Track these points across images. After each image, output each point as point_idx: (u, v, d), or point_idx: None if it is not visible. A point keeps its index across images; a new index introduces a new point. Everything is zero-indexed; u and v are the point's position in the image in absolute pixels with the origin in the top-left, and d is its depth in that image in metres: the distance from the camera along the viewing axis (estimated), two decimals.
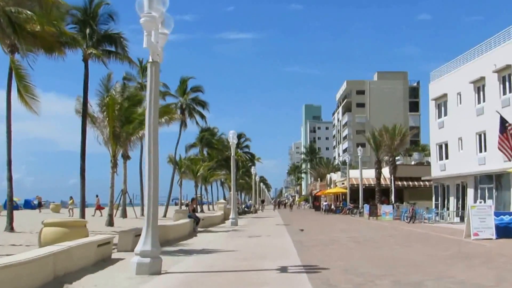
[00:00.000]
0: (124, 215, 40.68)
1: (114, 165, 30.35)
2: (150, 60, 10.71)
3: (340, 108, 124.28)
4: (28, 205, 67.45)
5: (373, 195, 48.90)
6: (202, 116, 48.36)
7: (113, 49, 26.69)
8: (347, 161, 53.49)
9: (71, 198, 40.60)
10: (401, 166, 51.48)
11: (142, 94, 35.52)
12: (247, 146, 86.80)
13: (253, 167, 68.59)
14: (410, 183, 51.18)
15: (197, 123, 48.32)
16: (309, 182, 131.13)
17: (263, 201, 65.47)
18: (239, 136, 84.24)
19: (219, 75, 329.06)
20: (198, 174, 62.53)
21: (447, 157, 38.22)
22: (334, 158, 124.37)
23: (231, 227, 28.71)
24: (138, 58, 47.01)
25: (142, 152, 46.40)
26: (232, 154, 31.57)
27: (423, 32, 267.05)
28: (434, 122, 40.37)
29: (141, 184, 46.41)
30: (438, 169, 39.40)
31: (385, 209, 36.87)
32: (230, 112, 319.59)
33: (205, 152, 71.10)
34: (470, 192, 33.98)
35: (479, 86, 33.58)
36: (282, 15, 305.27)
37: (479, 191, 33.04)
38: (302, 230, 23.87)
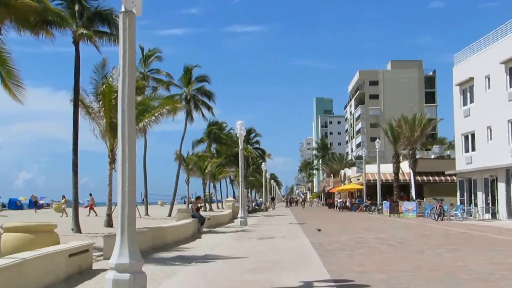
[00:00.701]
0: None
1: (112, 160, 27.67)
2: (123, 9, 7.94)
3: (353, 101, 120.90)
4: (32, 204, 65.48)
5: (391, 191, 45.95)
6: (209, 108, 45.52)
7: (106, 29, 24.03)
8: (363, 155, 50.46)
9: (63, 197, 37.97)
10: (419, 161, 48.42)
11: (141, 81, 32.89)
12: (257, 142, 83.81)
13: (263, 163, 65.73)
14: (430, 178, 48.15)
15: (203, 115, 45.54)
16: (321, 179, 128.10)
17: (273, 199, 62.15)
18: (249, 131, 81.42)
19: (227, 70, 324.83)
20: (206, 171, 59.87)
21: (473, 149, 35.20)
22: (347, 153, 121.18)
23: (240, 227, 26.01)
24: (139, 45, 44.65)
25: (146, 147, 43.93)
26: (240, 147, 28.87)
27: (436, 21, 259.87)
28: (458, 110, 37.31)
29: (145, 182, 43.96)
30: (463, 162, 36.38)
31: (407, 205, 33.90)
32: (239, 108, 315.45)
33: (213, 149, 68.42)
34: (501, 186, 31.00)
35: (511, 66, 30.53)
36: (290, 6, 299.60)
37: (511, 185, 30.06)
38: (319, 230, 21.12)
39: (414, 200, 38.71)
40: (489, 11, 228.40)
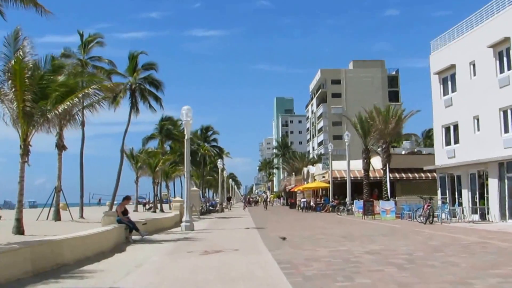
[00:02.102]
0: (57, 217, 32.53)
1: (25, 152, 21.90)
2: None
3: (315, 100, 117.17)
4: None
5: (360, 190, 41.60)
6: (157, 99, 39.74)
7: None
8: (329, 150, 45.83)
9: None
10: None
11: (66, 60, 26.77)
12: (215, 140, 78.70)
13: (219, 160, 60.39)
14: (403, 175, 43.95)
15: (150, 106, 39.66)
16: (281, 178, 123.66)
17: (229, 198, 55.41)
18: (207, 129, 77.02)
19: (187, 73, 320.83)
20: (157, 169, 54.14)
21: (457, 141, 31.11)
22: (308, 152, 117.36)
23: (184, 233, 20.71)
24: (78, 31, 38.93)
25: (83, 141, 37.96)
26: (186, 137, 23.52)
27: (392, 27, 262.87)
28: (438, 101, 33.16)
29: (81, 180, 37.91)
30: (444, 156, 32.22)
31: (385, 206, 28.96)
32: (199, 111, 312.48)
33: (167, 146, 62.74)
34: (492, 183, 26.86)
35: (501, 50, 26.66)
36: (250, 11, 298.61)
37: (506, 181, 25.93)
38: (284, 238, 16.16)
39: (389, 199, 34.35)
40: (442, 18, 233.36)
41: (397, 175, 43.35)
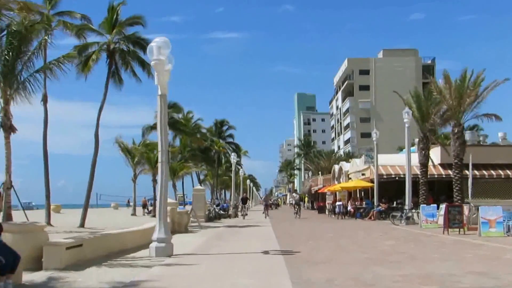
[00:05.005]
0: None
1: None
2: None
3: (340, 93, 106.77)
4: None
5: (415, 190, 31.35)
6: (143, 65, 29.46)
7: None
8: (374, 137, 35.39)
9: None
10: (442, 151, 34.40)
11: None
12: (230, 136, 69.40)
13: (233, 154, 50.47)
14: (467, 172, 33.57)
15: (134, 73, 29.51)
16: (303, 179, 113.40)
17: (245, 200, 43.46)
18: (221, 123, 68.63)
19: (207, 75, 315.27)
20: (157, 164, 44.59)
21: None
22: (333, 151, 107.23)
23: (149, 263, 10.86)
24: None
25: (46, 124, 28.63)
26: (159, 92, 13.66)
27: (416, 31, 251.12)
28: None
29: (46, 176, 28.43)
30: None
31: (488, 214, 17.53)
32: (219, 113, 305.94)
33: (178, 141, 53.30)
34: None
35: None
36: (273, 17, 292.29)
37: None
38: None
39: (463, 203, 24.19)
40: (467, 23, 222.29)
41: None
